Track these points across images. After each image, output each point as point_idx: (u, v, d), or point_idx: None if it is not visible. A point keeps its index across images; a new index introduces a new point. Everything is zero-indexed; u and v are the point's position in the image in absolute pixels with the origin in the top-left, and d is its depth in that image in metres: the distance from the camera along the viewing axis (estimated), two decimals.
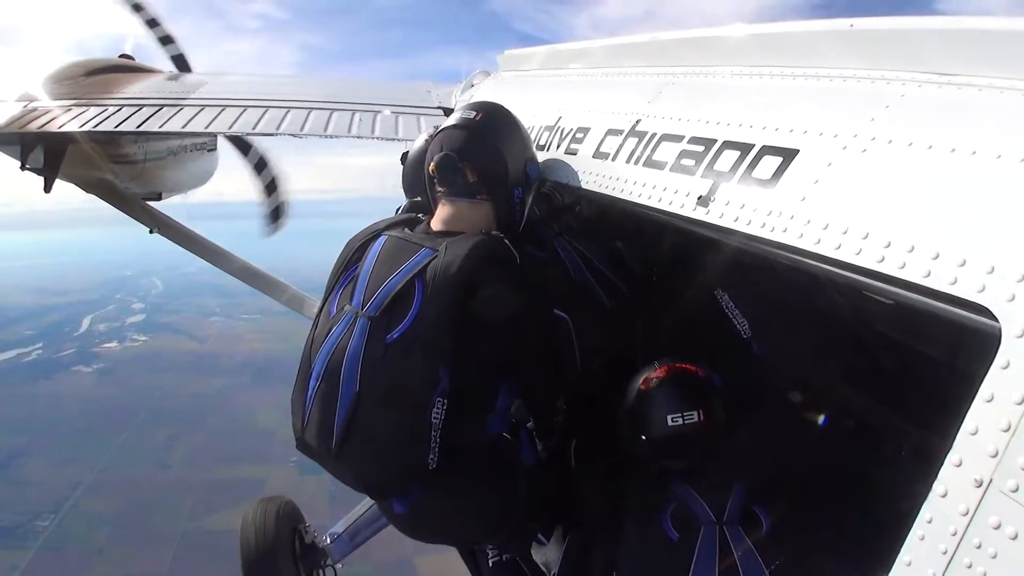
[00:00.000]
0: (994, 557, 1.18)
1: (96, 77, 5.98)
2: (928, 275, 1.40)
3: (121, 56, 6.80)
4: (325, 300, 2.97)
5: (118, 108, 5.17)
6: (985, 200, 1.41)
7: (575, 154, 3.06)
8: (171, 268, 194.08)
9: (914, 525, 1.34)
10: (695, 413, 2.42)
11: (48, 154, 5.67)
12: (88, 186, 6.33)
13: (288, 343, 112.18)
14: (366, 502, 4.88)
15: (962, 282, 1.33)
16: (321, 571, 4.51)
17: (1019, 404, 1.17)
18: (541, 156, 3.25)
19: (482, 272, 2.52)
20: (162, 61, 7.41)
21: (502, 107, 3.06)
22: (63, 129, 4.91)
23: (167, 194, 8.27)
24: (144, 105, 5.26)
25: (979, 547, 1.20)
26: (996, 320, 1.25)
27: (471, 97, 5.27)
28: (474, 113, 2.88)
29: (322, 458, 2.84)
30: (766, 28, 2.59)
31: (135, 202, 7.05)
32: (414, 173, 3.42)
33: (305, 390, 2.92)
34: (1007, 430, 1.17)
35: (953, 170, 1.50)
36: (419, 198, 3.27)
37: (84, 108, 5.12)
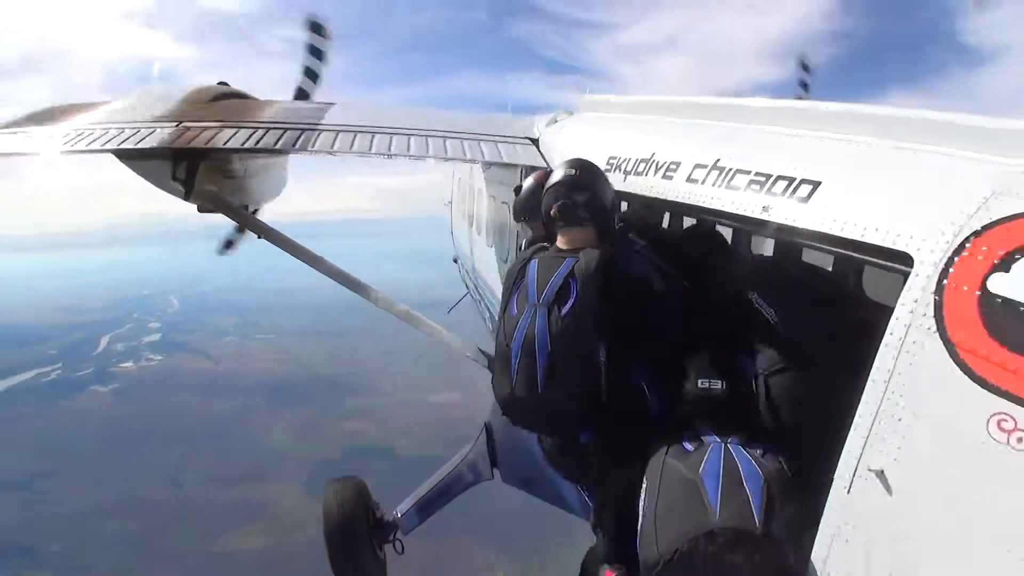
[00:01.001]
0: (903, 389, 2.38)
1: (222, 102, 6.72)
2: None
3: (219, 83, 7.32)
4: (504, 307, 3.93)
5: (266, 130, 5.86)
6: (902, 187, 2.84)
7: (671, 179, 4.22)
8: (187, 287, 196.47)
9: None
10: (720, 382, 3.35)
11: (189, 169, 6.30)
12: (201, 197, 6.79)
13: (301, 365, 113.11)
14: (432, 480, 6.77)
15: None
16: (392, 543, 6.02)
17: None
18: (638, 181, 4.59)
19: (608, 268, 3.71)
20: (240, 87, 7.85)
21: (590, 162, 4.21)
22: (226, 145, 5.58)
23: (252, 205, 8.93)
24: (288, 128, 5.98)
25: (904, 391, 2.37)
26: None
27: (560, 129, 6.43)
28: (574, 171, 4.03)
29: (528, 405, 3.75)
30: (799, 104, 4.61)
31: (240, 211, 7.67)
32: (526, 203, 4.81)
33: (509, 366, 3.71)
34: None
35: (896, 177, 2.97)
36: (527, 222, 4.91)
37: (235, 129, 5.78)
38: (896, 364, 2.42)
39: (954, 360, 2.19)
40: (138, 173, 6.52)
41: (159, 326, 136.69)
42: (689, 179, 4.04)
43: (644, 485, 3.21)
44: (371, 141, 6.02)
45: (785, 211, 3.18)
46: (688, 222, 4.95)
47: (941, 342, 2.25)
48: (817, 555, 2.69)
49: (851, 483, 2.55)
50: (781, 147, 3.70)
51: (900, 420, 2.38)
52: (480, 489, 8.61)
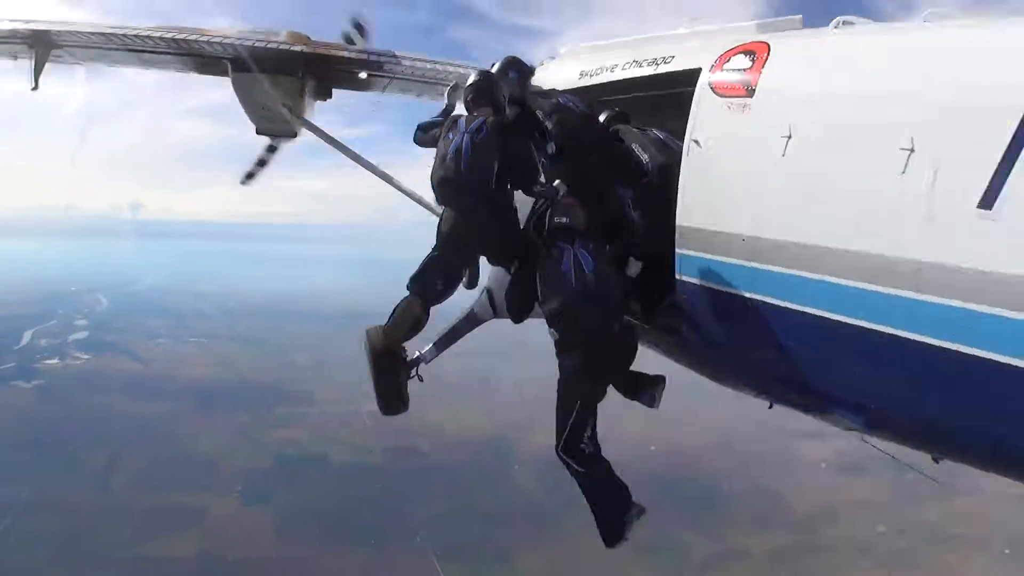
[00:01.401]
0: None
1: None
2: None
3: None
4: (441, 139, 5.97)
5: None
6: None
7: (599, 75, 6.32)
8: (117, 286, 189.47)
9: None
10: (564, 219, 5.36)
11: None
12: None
13: (233, 370, 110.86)
14: (444, 327, 7.91)
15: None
16: (416, 376, 6.84)
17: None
18: (587, 80, 6.47)
19: (500, 123, 5.84)
20: None
21: (488, 73, 6.28)
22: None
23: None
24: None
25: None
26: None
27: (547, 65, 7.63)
28: (478, 78, 6.15)
29: (452, 182, 5.70)
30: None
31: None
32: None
33: (444, 162, 5.76)
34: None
35: None
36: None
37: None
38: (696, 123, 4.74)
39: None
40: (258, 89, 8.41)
41: (87, 323, 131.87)
42: (607, 71, 6.15)
43: (538, 274, 5.42)
44: None
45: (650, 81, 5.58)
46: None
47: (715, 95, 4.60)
48: None
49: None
50: (663, 42, 5.84)
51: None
52: None
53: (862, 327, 3.64)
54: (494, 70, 6.21)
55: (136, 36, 7.64)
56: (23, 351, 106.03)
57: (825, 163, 3.89)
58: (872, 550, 60.55)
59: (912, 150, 3.25)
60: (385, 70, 8.44)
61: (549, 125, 5.65)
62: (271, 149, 11.58)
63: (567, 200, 5.53)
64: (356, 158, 8.57)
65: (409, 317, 6.05)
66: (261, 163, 11.92)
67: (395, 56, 8.17)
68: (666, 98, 5.38)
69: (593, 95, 6.05)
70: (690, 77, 4.80)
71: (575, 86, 6.23)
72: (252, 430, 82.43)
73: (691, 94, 4.74)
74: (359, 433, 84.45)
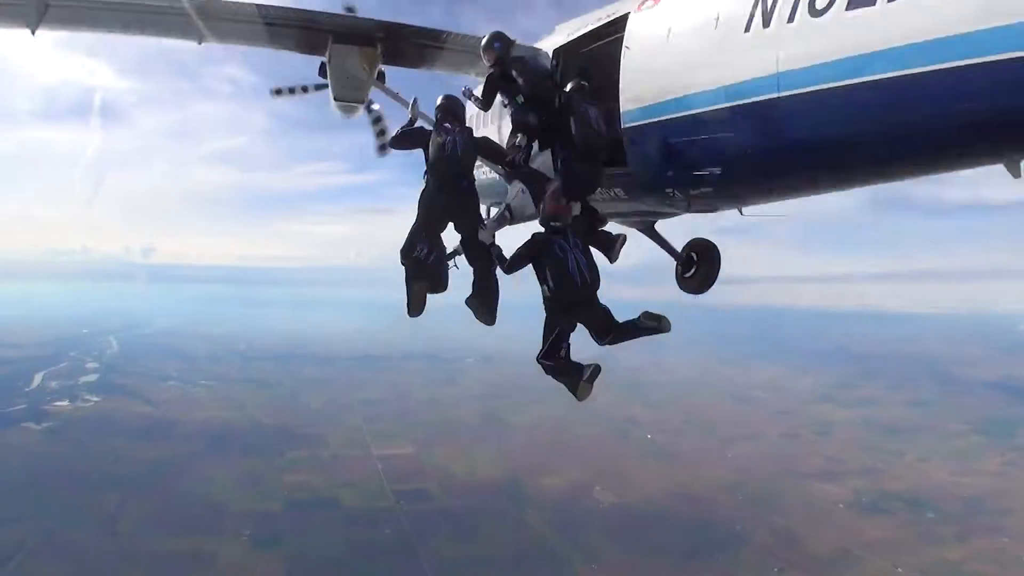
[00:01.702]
0: None
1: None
2: None
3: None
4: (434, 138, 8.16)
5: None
6: None
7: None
8: (128, 328, 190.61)
9: None
10: (558, 223, 7.50)
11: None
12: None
13: (244, 413, 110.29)
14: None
15: None
16: (455, 262, 8.85)
17: None
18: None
19: (470, 132, 8.31)
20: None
21: (453, 97, 8.46)
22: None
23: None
24: None
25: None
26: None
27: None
28: (443, 101, 8.48)
29: (449, 167, 7.87)
30: None
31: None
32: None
33: (443, 153, 7.96)
34: None
35: None
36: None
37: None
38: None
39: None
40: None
41: (97, 366, 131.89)
42: (577, 31, 8.87)
43: (547, 268, 7.44)
44: None
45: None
46: None
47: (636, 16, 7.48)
48: None
49: None
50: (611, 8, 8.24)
51: None
52: None
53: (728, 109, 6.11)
54: (483, 43, 8.16)
55: (256, 5, 8.71)
56: (34, 393, 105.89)
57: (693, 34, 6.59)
58: None
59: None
60: (441, 41, 9.67)
61: (520, 81, 7.90)
62: (376, 119, 13.41)
63: (553, 207, 7.41)
64: (421, 115, 9.05)
65: (422, 296, 8.48)
66: (380, 132, 13.43)
67: (449, 32, 9.63)
68: (611, 41, 7.93)
69: (569, 51, 8.92)
70: (622, 19, 7.58)
71: (560, 45, 9.05)
72: (262, 473, 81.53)
73: (623, 32, 7.50)
74: (370, 476, 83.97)
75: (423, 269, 8.16)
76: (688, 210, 8.32)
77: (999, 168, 5.32)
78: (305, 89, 12.83)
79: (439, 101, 8.28)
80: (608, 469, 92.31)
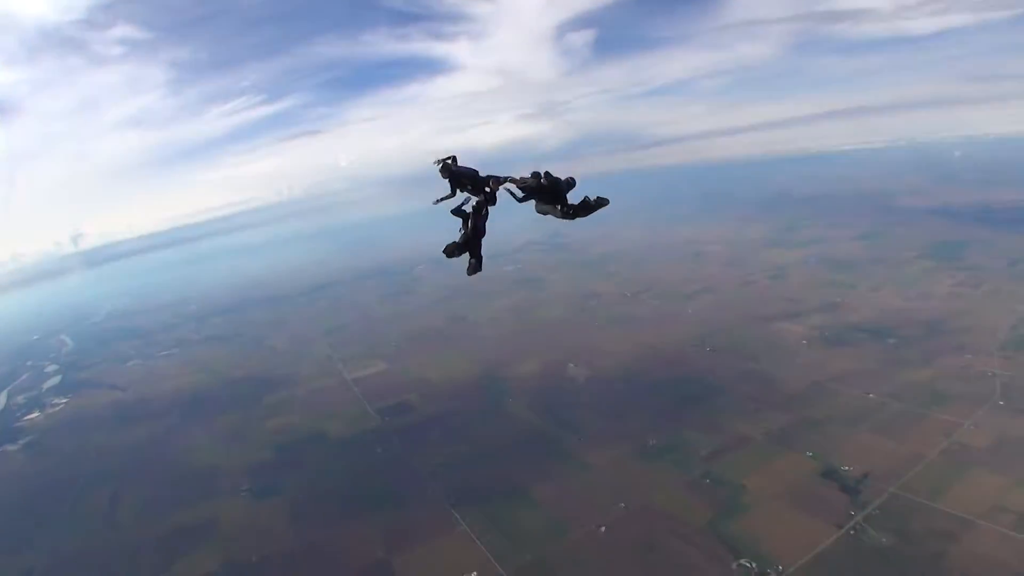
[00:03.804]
0: None
1: None
2: None
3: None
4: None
5: None
6: None
7: None
8: (78, 322, 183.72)
9: None
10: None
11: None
12: None
13: (212, 372, 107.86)
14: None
15: None
16: None
17: None
18: None
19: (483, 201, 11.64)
20: None
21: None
22: None
23: None
24: None
25: None
26: None
27: None
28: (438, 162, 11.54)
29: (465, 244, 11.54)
30: None
31: None
32: None
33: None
34: None
35: None
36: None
37: None
38: None
39: None
40: None
41: (57, 367, 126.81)
42: None
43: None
44: None
45: None
46: None
47: None
48: None
49: None
50: None
51: None
52: None
53: None
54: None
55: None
56: (2, 414, 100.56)
57: None
58: (866, 417, 60.74)
59: None
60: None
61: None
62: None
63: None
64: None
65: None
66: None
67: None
68: None
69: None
70: None
71: None
72: (245, 426, 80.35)
73: None
74: (350, 402, 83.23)
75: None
76: None
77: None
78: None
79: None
80: (577, 345, 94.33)
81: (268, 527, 54.48)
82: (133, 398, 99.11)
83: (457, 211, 10.97)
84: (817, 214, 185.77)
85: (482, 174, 11.07)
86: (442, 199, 10.95)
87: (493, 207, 11.28)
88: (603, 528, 48.41)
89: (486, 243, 11.30)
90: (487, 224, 11.37)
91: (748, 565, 41.99)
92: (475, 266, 11.16)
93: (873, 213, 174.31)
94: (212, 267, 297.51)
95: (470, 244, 11.07)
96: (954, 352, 72.79)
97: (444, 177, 10.86)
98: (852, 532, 44.00)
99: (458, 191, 10.93)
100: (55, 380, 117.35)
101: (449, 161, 10.89)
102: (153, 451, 75.13)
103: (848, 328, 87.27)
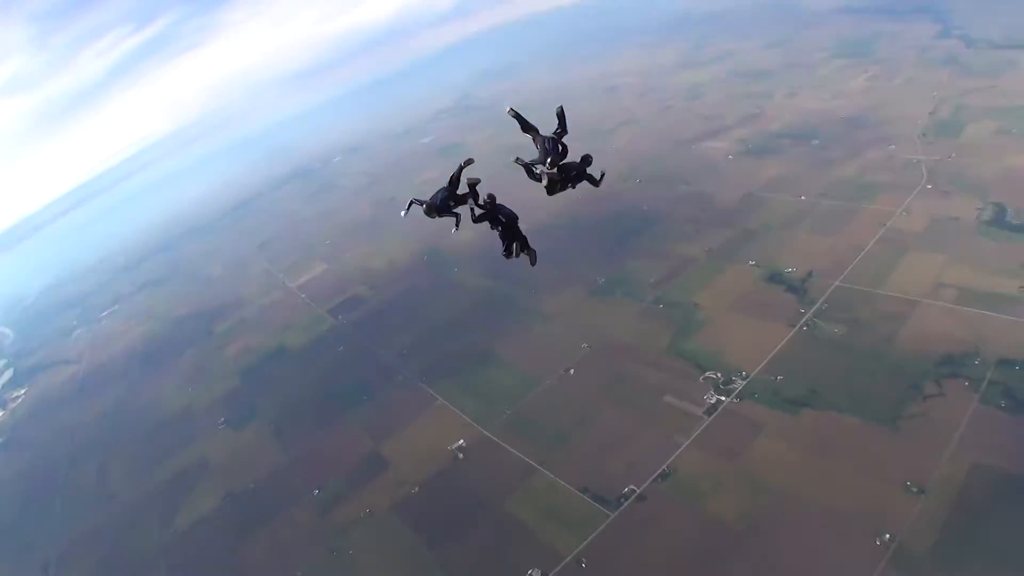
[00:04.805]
0: None
1: None
2: None
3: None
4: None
5: None
6: None
7: None
8: (10, 310, 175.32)
9: None
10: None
11: None
12: None
13: (158, 318, 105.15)
14: None
15: None
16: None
17: None
18: None
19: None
20: None
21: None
22: None
23: None
24: None
25: None
26: None
27: None
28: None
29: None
30: None
31: None
32: None
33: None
34: None
35: None
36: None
37: None
38: None
39: None
40: None
41: (6, 362, 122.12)
42: None
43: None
44: None
45: None
46: None
47: None
48: None
49: None
50: None
51: None
52: None
53: None
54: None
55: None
56: None
57: None
58: (802, 219, 61.79)
59: None
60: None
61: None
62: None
63: None
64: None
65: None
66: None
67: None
68: None
69: None
70: None
71: None
72: (204, 360, 79.35)
73: None
74: (300, 310, 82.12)
75: None
76: None
77: None
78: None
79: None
80: (508, 200, 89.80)
81: (255, 452, 54.66)
82: (89, 367, 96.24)
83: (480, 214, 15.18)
84: (723, 30, 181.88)
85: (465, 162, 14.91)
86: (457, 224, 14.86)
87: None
88: (572, 371, 49.76)
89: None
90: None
91: (714, 376, 43.78)
92: (529, 255, 15.05)
93: (779, 20, 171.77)
94: (129, 214, 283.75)
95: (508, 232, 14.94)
96: (878, 144, 73.72)
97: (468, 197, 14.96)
98: (805, 328, 45.86)
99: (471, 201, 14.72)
100: (7, 375, 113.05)
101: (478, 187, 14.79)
102: (124, 413, 73.73)
103: (771, 136, 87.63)
